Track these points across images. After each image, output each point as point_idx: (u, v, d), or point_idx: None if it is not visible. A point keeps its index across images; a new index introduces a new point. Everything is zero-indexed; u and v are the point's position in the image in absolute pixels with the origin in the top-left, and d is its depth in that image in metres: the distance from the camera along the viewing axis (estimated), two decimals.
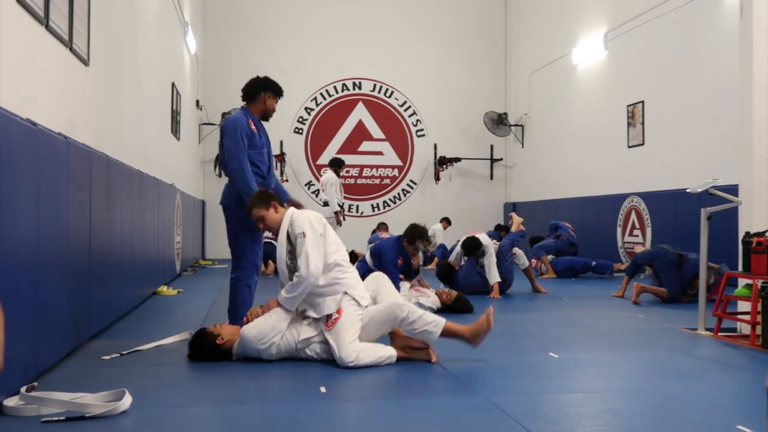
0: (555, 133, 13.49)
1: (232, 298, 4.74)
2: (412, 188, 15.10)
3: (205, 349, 4.07)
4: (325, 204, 10.70)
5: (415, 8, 15.00)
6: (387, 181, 15.05)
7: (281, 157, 14.18)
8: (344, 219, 11.01)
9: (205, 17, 14.22)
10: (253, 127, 4.78)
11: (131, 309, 6.09)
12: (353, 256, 11.59)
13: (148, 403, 3.15)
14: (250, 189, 4.58)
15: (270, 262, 9.94)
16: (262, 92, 4.85)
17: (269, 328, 4.00)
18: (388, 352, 3.98)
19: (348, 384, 3.63)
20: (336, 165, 10.89)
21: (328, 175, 10.70)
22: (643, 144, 10.62)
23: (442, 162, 14.76)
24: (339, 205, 10.63)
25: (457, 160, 14.74)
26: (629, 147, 10.97)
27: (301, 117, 14.73)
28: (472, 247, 7.63)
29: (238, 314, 4.65)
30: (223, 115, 13.57)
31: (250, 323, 4.07)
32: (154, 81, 8.14)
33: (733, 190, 5.34)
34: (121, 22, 6.16)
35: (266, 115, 4.96)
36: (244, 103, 4.90)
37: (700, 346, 4.80)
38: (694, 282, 6.84)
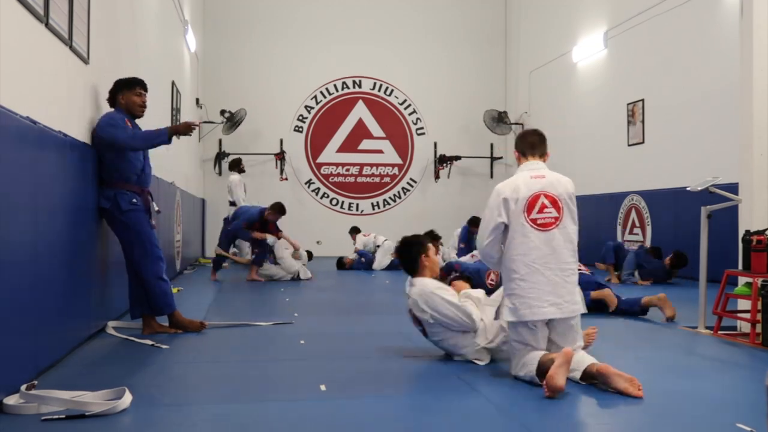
0: (555, 131, 13.43)
1: (153, 293, 4.90)
2: (412, 186, 15.09)
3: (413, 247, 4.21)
4: (232, 204, 10.89)
5: (415, 7, 14.98)
6: (387, 179, 15.05)
7: (281, 156, 14.18)
8: None
9: (205, 15, 14.20)
10: (129, 125, 4.83)
11: None
12: (340, 264, 11.53)
13: (148, 401, 3.15)
14: (158, 131, 4.83)
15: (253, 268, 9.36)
16: (117, 94, 4.90)
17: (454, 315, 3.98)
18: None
19: (348, 382, 3.63)
20: (235, 165, 11.22)
21: (232, 177, 11.17)
22: (643, 142, 10.62)
23: (442, 160, 14.75)
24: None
25: (457, 158, 14.73)
26: (629, 145, 10.97)
27: (301, 115, 14.72)
28: None
29: (165, 304, 4.96)
30: (222, 112, 13.58)
31: (448, 293, 4.06)
32: (154, 79, 8.12)
33: (733, 188, 5.34)
34: (121, 20, 6.16)
35: (132, 112, 4.91)
36: (113, 109, 4.92)
37: (700, 345, 4.80)
38: None
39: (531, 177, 3.66)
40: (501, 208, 3.61)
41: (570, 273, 3.59)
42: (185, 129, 4.94)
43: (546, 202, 3.58)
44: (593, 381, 3.45)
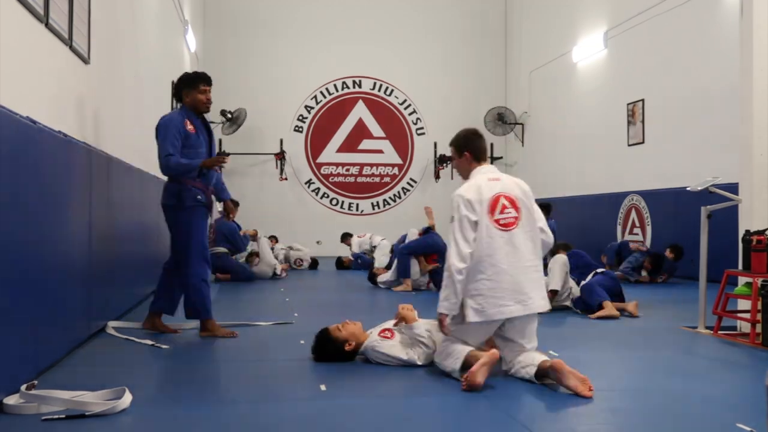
0: (555, 131, 13.48)
1: (195, 295, 4.88)
2: (412, 186, 15.10)
3: (332, 354, 4.02)
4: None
5: (415, 6, 14.99)
6: (387, 179, 15.05)
7: (281, 156, 14.18)
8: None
9: (205, 15, 14.21)
10: (190, 126, 4.81)
11: (131, 307, 6.09)
12: (339, 263, 11.51)
13: (148, 401, 3.15)
14: (191, 165, 4.73)
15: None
16: (181, 90, 4.91)
17: (399, 351, 3.94)
18: (453, 366, 3.67)
19: (348, 382, 3.63)
20: None
21: None
22: (643, 142, 10.62)
23: (442, 160, 14.75)
24: None
25: None
26: (629, 145, 10.97)
27: (301, 115, 14.72)
28: None
29: (204, 309, 4.89)
30: (223, 112, 13.58)
31: (387, 342, 3.98)
32: (154, 79, 8.14)
33: (733, 188, 5.34)
34: (121, 20, 6.16)
35: (197, 109, 4.90)
36: (178, 107, 4.97)
37: (700, 345, 4.80)
38: None
39: (488, 179, 3.74)
40: (470, 208, 3.64)
41: (533, 270, 3.67)
42: (213, 163, 4.87)
43: (506, 202, 3.67)
44: (547, 379, 3.47)
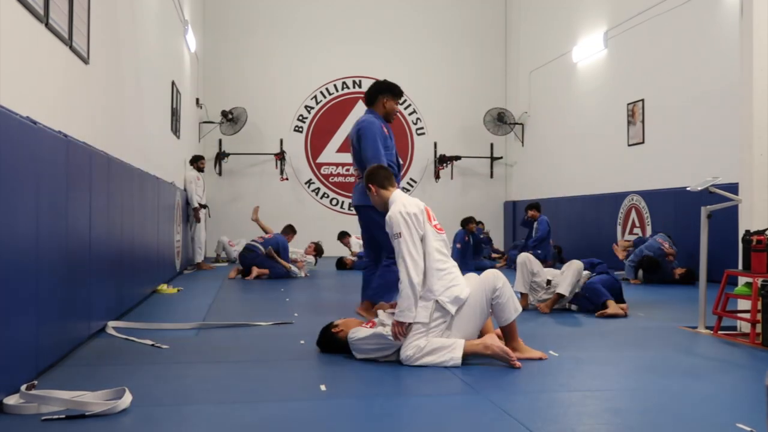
0: (555, 131, 13.49)
1: (383, 284, 5.22)
2: (412, 186, 15.10)
3: (325, 338, 4.29)
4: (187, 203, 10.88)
5: (415, 7, 15.00)
6: None
7: (281, 156, 14.19)
8: (209, 216, 11.66)
9: (205, 15, 14.21)
10: (385, 129, 5.15)
11: (131, 307, 6.09)
12: (340, 264, 11.49)
13: (149, 401, 3.15)
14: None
15: (253, 267, 9.35)
16: (379, 95, 5.09)
17: (375, 342, 4.01)
18: (451, 355, 3.87)
19: (348, 382, 3.63)
20: (195, 161, 11.10)
21: (190, 173, 10.97)
22: (643, 142, 10.62)
23: (442, 160, 14.76)
24: (199, 203, 10.92)
25: (457, 158, 14.74)
26: (629, 145, 10.97)
27: (301, 115, 14.72)
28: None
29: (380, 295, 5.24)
30: (223, 113, 13.58)
31: (360, 332, 4.08)
32: (154, 79, 8.14)
33: (733, 188, 5.34)
34: (121, 20, 6.16)
35: (388, 116, 5.27)
36: (368, 107, 5.13)
37: (700, 345, 4.80)
38: None
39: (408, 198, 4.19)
40: (418, 223, 3.99)
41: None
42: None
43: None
44: None
